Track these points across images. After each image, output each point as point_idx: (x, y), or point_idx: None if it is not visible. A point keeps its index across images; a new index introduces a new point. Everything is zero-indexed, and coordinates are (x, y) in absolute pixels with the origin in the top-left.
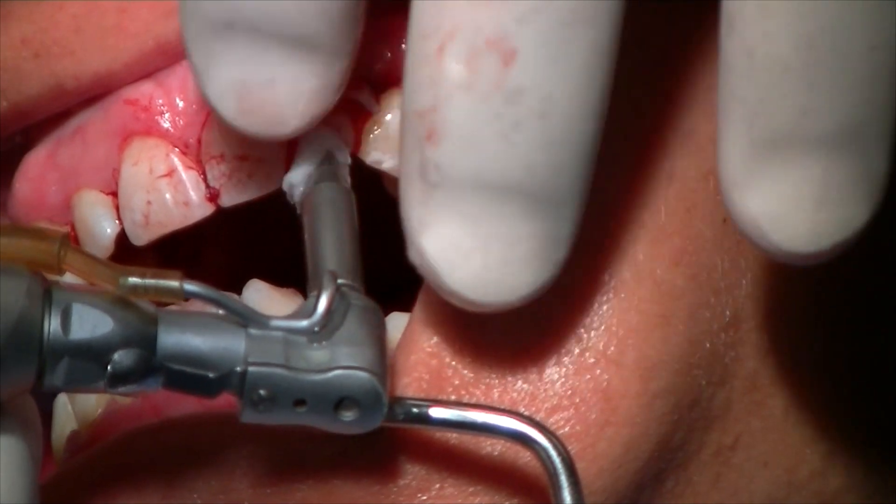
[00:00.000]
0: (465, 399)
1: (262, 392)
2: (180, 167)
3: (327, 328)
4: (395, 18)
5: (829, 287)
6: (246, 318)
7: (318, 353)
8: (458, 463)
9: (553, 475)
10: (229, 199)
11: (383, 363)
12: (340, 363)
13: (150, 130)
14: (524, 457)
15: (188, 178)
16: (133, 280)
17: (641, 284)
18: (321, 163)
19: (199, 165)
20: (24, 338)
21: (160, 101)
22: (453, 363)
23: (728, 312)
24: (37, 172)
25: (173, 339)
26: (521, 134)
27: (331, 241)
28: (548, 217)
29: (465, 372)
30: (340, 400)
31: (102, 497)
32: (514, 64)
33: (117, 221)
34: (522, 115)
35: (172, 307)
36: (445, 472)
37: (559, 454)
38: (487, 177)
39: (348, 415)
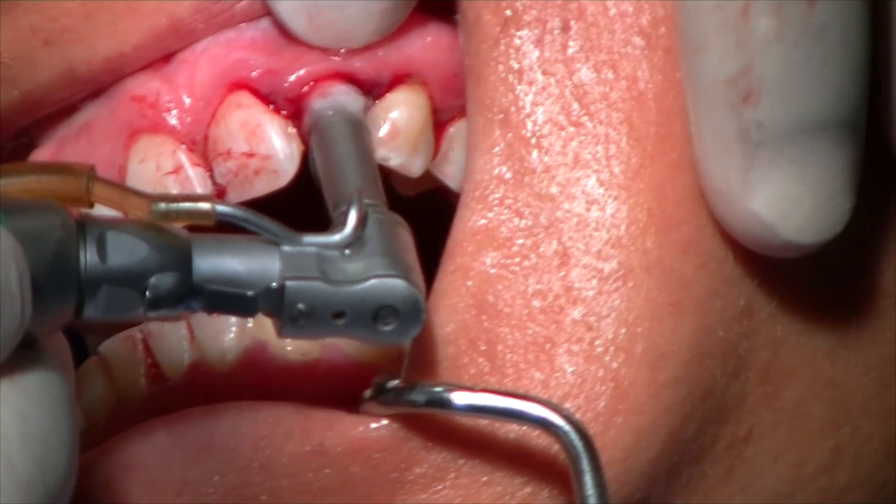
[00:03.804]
0: (480, 386)
1: (300, 306)
2: (187, 164)
3: (359, 241)
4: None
5: (841, 278)
6: (279, 237)
7: (352, 265)
8: (473, 450)
9: (575, 460)
10: (236, 197)
11: (418, 271)
12: (376, 272)
13: (157, 127)
14: (539, 444)
15: (195, 175)
16: (165, 205)
17: (650, 273)
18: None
19: (206, 162)
20: (63, 269)
21: (167, 97)
22: (469, 351)
23: (741, 301)
24: None
25: (209, 261)
26: (831, 67)
27: (350, 161)
28: (853, 143)
29: (481, 360)
30: (379, 310)
31: (116, 493)
32: (818, 1)
33: None
34: (829, 48)
35: None
36: (461, 460)
37: (581, 438)
38: (806, 118)
39: (387, 325)
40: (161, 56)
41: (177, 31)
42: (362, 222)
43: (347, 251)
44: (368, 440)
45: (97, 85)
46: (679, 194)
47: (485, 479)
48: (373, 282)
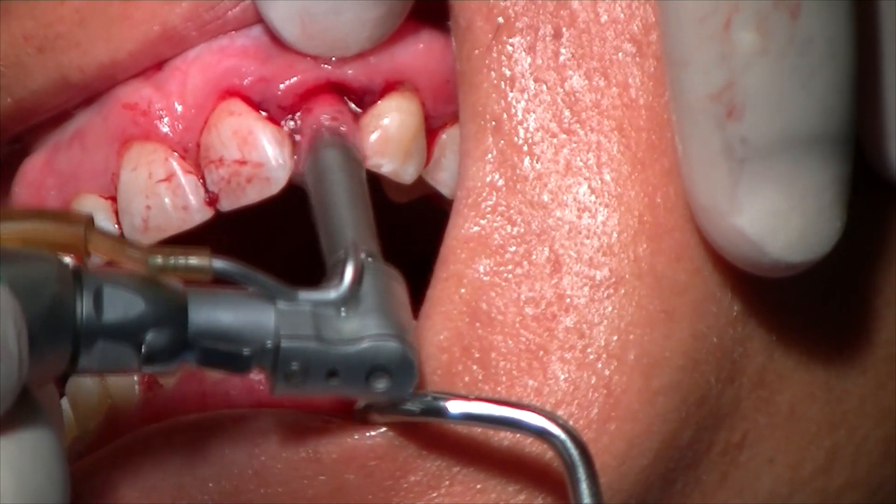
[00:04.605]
0: (475, 395)
1: (294, 366)
2: (179, 172)
3: (354, 298)
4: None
5: (835, 278)
6: (274, 293)
7: (347, 324)
8: (467, 458)
9: (571, 468)
10: (228, 204)
11: (410, 329)
12: (370, 332)
13: (149, 135)
14: (533, 452)
15: (187, 183)
16: (161, 259)
17: (642, 280)
18: (324, 133)
19: (198, 170)
20: (58, 322)
21: (159, 105)
22: (463, 359)
23: (736, 307)
24: (35, 178)
25: (204, 316)
26: (817, 80)
27: (345, 207)
28: (841, 157)
29: (475, 368)
30: (372, 370)
31: (112, 499)
32: (801, 13)
33: (116, 226)
34: (815, 61)
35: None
36: (455, 468)
37: (577, 447)
38: (793, 133)
39: (380, 384)
40: (154, 63)
41: (169, 38)
42: (358, 279)
43: (343, 309)
44: (363, 448)
45: (90, 92)
46: (671, 201)
47: (479, 486)
48: (367, 343)
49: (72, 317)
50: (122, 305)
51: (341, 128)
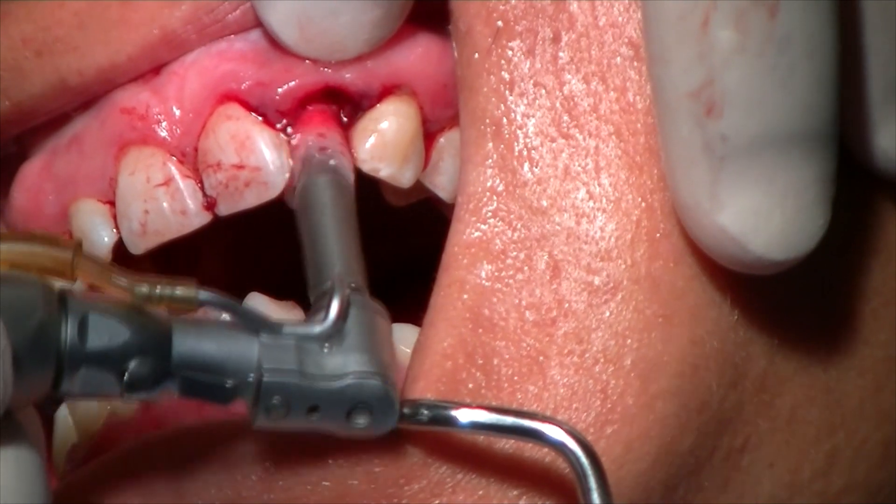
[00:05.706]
0: (478, 402)
1: (275, 400)
2: (177, 176)
3: (338, 333)
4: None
5: (832, 280)
6: (258, 326)
7: (330, 360)
8: (470, 465)
9: (582, 477)
10: (226, 208)
11: (393, 366)
12: (353, 369)
13: (147, 139)
14: (534, 458)
15: (185, 187)
16: (147, 288)
17: (639, 285)
18: (315, 158)
19: (196, 174)
20: (43, 347)
21: (156, 109)
22: (466, 366)
23: (736, 311)
24: (33, 182)
25: (187, 346)
26: (797, 78)
27: (333, 239)
28: (824, 156)
29: (478, 374)
30: (353, 407)
31: None
32: (779, 11)
33: (115, 230)
34: (794, 59)
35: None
36: (459, 475)
37: (587, 455)
38: (773, 130)
39: (361, 420)
40: (152, 67)
41: (169, 42)
42: (343, 314)
43: (326, 344)
44: (369, 454)
45: (89, 95)
46: (668, 205)
47: (481, 493)
48: (349, 380)
49: (56, 342)
50: (106, 333)
51: (331, 150)
